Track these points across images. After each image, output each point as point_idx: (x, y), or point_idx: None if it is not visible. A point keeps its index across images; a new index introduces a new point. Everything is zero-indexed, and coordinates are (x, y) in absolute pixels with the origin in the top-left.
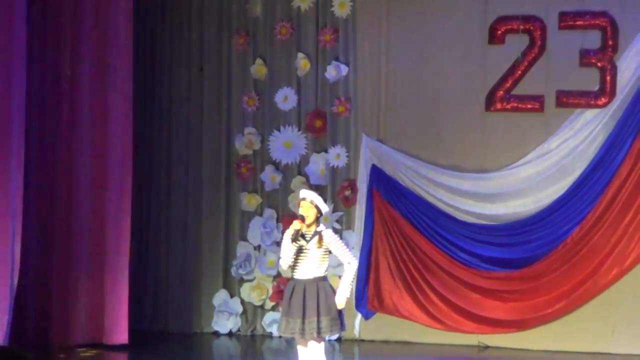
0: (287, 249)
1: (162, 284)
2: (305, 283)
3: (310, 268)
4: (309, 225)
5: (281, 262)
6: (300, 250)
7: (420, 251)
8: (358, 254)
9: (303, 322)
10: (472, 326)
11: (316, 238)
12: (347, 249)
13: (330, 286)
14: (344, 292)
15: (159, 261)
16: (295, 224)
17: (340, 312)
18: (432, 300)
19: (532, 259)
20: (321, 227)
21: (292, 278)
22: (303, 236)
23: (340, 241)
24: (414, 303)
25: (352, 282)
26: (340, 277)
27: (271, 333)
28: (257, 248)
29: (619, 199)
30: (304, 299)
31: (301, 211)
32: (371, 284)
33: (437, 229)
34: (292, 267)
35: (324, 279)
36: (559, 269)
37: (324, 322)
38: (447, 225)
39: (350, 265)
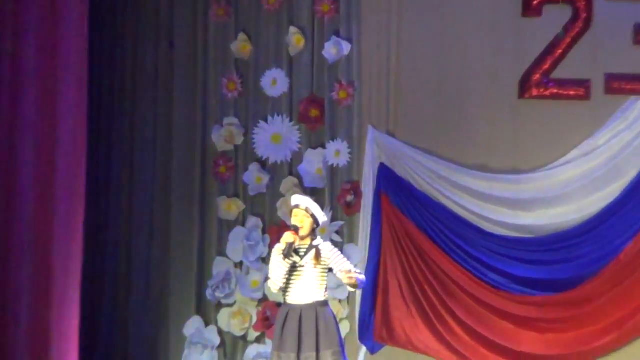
0: (278, 267)
1: (121, 309)
2: (302, 309)
3: (306, 290)
4: (303, 238)
5: (270, 283)
6: (293, 269)
7: (439, 270)
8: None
9: (298, 358)
10: None
11: (312, 253)
12: (350, 263)
13: (332, 313)
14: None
15: (118, 282)
16: (287, 237)
17: (342, 346)
18: (454, 331)
19: (576, 280)
20: (318, 240)
21: (284, 303)
22: (297, 251)
23: (341, 254)
24: (431, 334)
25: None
26: (340, 300)
27: None
28: (239, 265)
29: None
30: (300, 328)
31: (294, 221)
32: (379, 311)
33: (460, 243)
34: (284, 290)
35: (324, 304)
36: (609, 292)
37: (325, 357)
38: (472, 238)
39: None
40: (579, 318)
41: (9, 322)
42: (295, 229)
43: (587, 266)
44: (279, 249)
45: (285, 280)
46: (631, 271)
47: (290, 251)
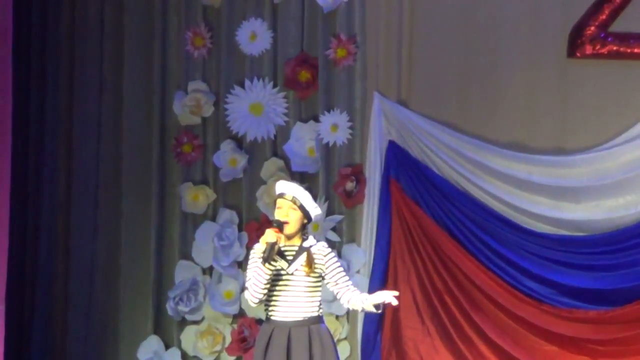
0: (257, 274)
1: (56, 324)
2: (291, 328)
3: (296, 304)
4: (290, 237)
5: (247, 295)
6: (278, 277)
7: (464, 277)
8: (366, 280)
9: None
10: None
11: (303, 257)
12: (349, 277)
13: (329, 332)
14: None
15: (54, 293)
16: (269, 235)
17: None
18: (483, 355)
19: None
20: (310, 241)
21: (267, 320)
22: (282, 254)
23: (339, 262)
24: (453, 358)
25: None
26: (338, 317)
27: None
28: (208, 271)
29: None
30: (289, 352)
31: (278, 214)
32: (387, 329)
33: (489, 242)
34: (268, 304)
35: (318, 320)
36: None
37: None
38: (505, 236)
39: (355, 292)
40: None
41: None
42: (279, 226)
43: None
44: (258, 250)
45: (266, 292)
46: None
47: (272, 254)
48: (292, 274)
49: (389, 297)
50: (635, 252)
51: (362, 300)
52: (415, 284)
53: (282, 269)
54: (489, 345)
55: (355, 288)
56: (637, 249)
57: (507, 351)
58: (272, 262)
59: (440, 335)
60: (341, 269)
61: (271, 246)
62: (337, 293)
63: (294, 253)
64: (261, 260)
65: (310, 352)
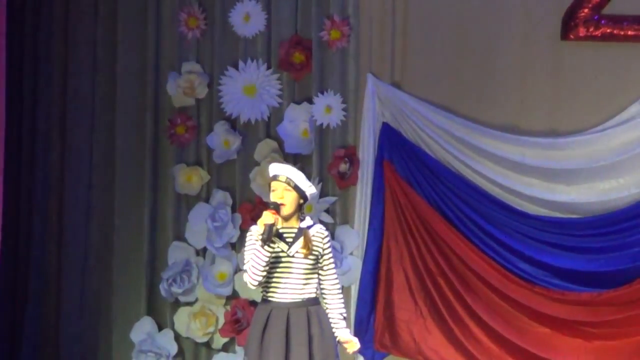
0: (256, 256)
1: (50, 307)
2: (289, 309)
3: (295, 286)
4: (287, 218)
5: (246, 277)
6: (278, 259)
7: (457, 259)
8: (359, 263)
9: None
10: None
11: (301, 239)
12: (336, 274)
13: (326, 313)
14: (343, 326)
15: (46, 275)
16: (266, 217)
17: (338, 355)
18: (475, 336)
19: (633, 272)
20: (307, 221)
21: (265, 301)
22: (281, 236)
23: (332, 252)
24: (446, 340)
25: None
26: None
27: None
28: (202, 253)
29: None
30: (288, 334)
31: (273, 197)
32: (380, 311)
33: (483, 225)
34: (267, 285)
35: (316, 301)
36: None
37: None
38: (498, 218)
39: (336, 298)
40: (635, 321)
41: None
42: (276, 207)
43: None
44: (255, 232)
45: (265, 274)
46: None
47: (271, 235)
48: (292, 256)
49: (351, 347)
50: (628, 234)
51: (333, 319)
52: (408, 266)
53: (282, 251)
54: (481, 326)
55: (338, 288)
56: (630, 231)
57: (499, 332)
58: (271, 244)
59: (433, 317)
60: (332, 261)
61: (269, 227)
62: (320, 282)
63: (292, 235)
64: (260, 242)
65: (309, 333)
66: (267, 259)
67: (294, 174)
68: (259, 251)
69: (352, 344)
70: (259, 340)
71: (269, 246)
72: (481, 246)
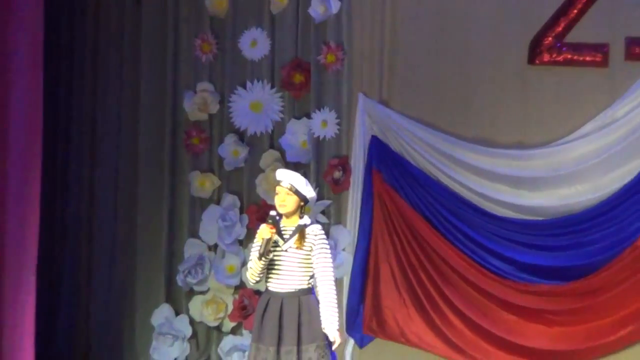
0: (253, 264)
1: (81, 298)
2: (283, 298)
3: (288, 277)
4: (288, 216)
5: (248, 274)
6: (276, 252)
7: (436, 255)
8: (350, 258)
9: (278, 352)
10: (506, 358)
11: (296, 235)
12: (330, 266)
13: (317, 302)
14: (333, 321)
15: (78, 267)
16: (264, 231)
17: (329, 339)
18: (452, 323)
19: (589, 267)
20: (305, 220)
21: (266, 290)
22: (280, 233)
23: (327, 248)
24: (426, 326)
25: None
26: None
27: None
28: (213, 248)
29: None
30: (281, 319)
31: (276, 200)
32: (368, 300)
33: (459, 225)
34: (267, 276)
35: (308, 292)
36: (626, 281)
37: (308, 351)
38: (473, 220)
39: (325, 288)
40: (592, 309)
41: None
42: (274, 222)
43: (601, 252)
44: (256, 243)
45: (262, 277)
46: None
47: (267, 249)
48: (286, 251)
49: (332, 338)
50: (584, 234)
51: (322, 312)
52: (394, 261)
53: (278, 246)
54: (457, 314)
55: (328, 283)
56: (586, 232)
57: (472, 320)
58: (267, 256)
59: (415, 306)
60: (328, 258)
61: (267, 242)
62: (315, 275)
63: (290, 232)
64: (258, 255)
65: (299, 319)
66: (262, 267)
67: (297, 180)
68: (255, 262)
69: (333, 340)
70: (259, 324)
71: (265, 258)
72: (457, 244)
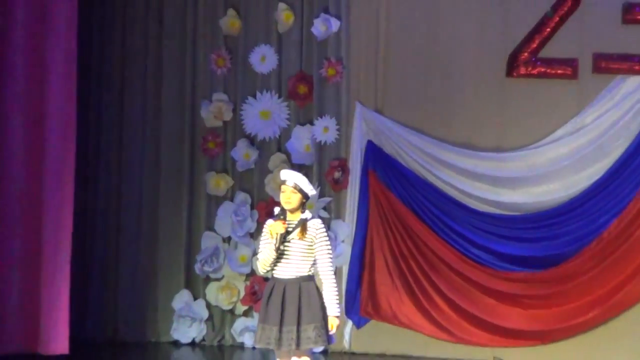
0: (268, 254)
1: (110, 283)
2: (286, 283)
3: (291, 265)
4: (292, 212)
5: (259, 265)
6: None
7: (425, 246)
8: (349, 248)
9: (280, 331)
10: (486, 337)
11: (299, 228)
12: (330, 257)
13: (317, 288)
14: (334, 304)
15: (107, 257)
16: (277, 227)
17: (326, 320)
18: (438, 306)
19: (560, 257)
20: (306, 214)
21: (271, 277)
22: (287, 232)
23: (327, 241)
24: (416, 309)
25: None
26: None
27: (242, 343)
28: (227, 240)
29: None
30: (283, 302)
31: (282, 197)
32: (365, 286)
33: (445, 220)
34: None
35: (308, 278)
36: (593, 270)
37: (307, 331)
38: (457, 215)
39: (327, 276)
40: (562, 294)
41: (2, 299)
42: (284, 217)
43: (571, 244)
44: (267, 233)
45: (270, 267)
46: (614, 249)
47: (281, 242)
48: (289, 242)
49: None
50: (556, 227)
51: (325, 298)
52: (387, 251)
53: (284, 238)
54: (443, 298)
55: (328, 272)
56: (557, 225)
57: (456, 302)
58: (280, 248)
59: (406, 290)
60: (328, 250)
61: (281, 236)
62: (317, 264)
63: (294, 225)
64: (275, 248)
65: (299, 303)
66: (275, 257)
67: (300, 179)
68: (270, 252)
69: (331, 325)
70: (265, 307)
71: (279, 250)
72: (443, 236)
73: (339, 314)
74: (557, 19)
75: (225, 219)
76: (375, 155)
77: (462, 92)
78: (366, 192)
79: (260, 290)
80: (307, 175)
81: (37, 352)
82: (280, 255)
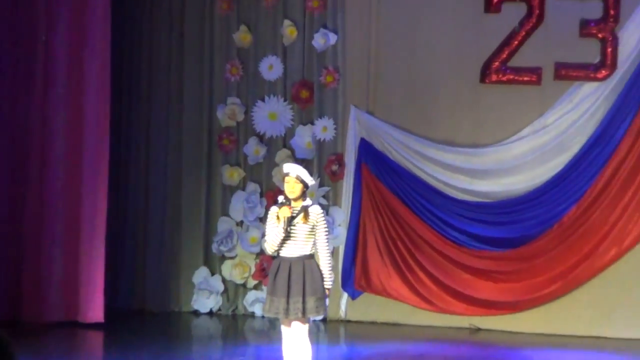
0: (276, 235)
1: (139, 260)
2: (291, 261)
3: (295, 246)
4: (295, 200)
5: (267, 246)
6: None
7: (410, 228)
8: (344, 231)
9: (287, 302)
10: (463, 307)
11: (302, 214)
12: (327, 240)
13: (317, 265)
14: (329, 278)
15: (137, 236)
16: (285, 212)
17: (325, 294)
18: (422, 280)
19: (527, 238)
20: (307, 201)
21: (277, 256)
22: (292, 217)
23: (325, 225)
24: (402, 283)
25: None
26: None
27: (253, 313)
28: (240, 224)
29: (618, 176)
30: (289, 278)
31: (286, 188)
32: (358, 263)
33: (427, 206)
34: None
35: (310, 257)
36: (555, 249)
37: (310, 302)
38: (438, 201)
39: (324, 254)
40: (529, 270)
41: (44, 272)
42: (288, 202)
43: (535, 227)
44: (274, 217)
45: (277, 248)
46: (572, 232)
47: (289, 224)
48: (294, 225)
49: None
50: (521, 212)
51: (322, 270)
52: (378, 234)
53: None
54: (426, 274)
55: (326, 252)
56: (524, 210)
57: (438, 278)
58: (287, 230)
59: (394, 267)
60: (325, 234)
61: (289, 220)
62: (316, 245)
63: (297, 211)
64: (283, 231)
65: (303, 278)
66: (282, 237)
67: (301, 171)
68: (277, 233)
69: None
70: (273, 281)
71: (286, 231)
72: (426, 220)
73: (331, 286)
74: (524, 33)
75: (238, 206)
76: (367, 151)
77: (442, 96)
78: (359, 183)
79: (268, 267)
80: (308, 168)
81: (76, 320)
82: (286, 236)
